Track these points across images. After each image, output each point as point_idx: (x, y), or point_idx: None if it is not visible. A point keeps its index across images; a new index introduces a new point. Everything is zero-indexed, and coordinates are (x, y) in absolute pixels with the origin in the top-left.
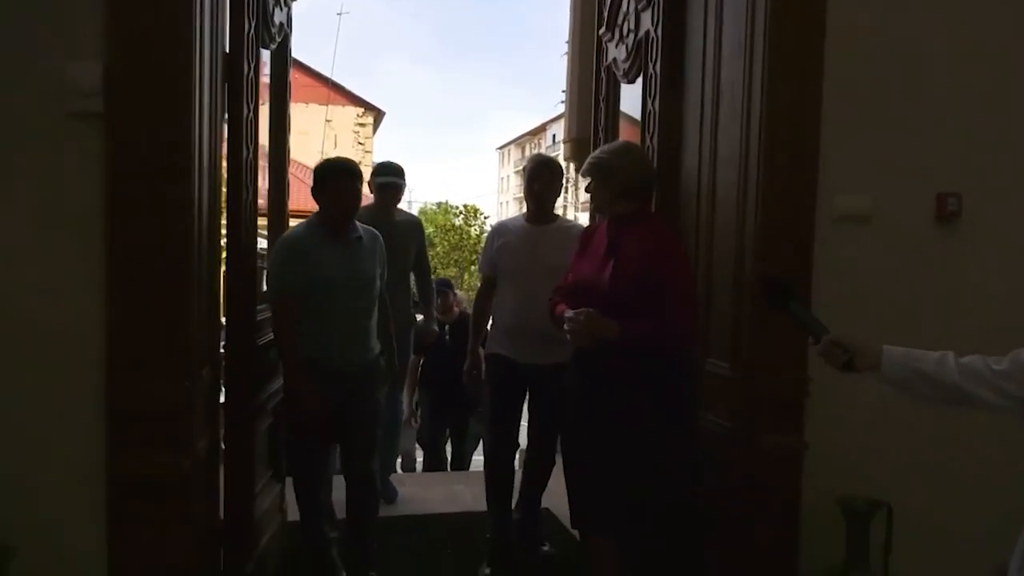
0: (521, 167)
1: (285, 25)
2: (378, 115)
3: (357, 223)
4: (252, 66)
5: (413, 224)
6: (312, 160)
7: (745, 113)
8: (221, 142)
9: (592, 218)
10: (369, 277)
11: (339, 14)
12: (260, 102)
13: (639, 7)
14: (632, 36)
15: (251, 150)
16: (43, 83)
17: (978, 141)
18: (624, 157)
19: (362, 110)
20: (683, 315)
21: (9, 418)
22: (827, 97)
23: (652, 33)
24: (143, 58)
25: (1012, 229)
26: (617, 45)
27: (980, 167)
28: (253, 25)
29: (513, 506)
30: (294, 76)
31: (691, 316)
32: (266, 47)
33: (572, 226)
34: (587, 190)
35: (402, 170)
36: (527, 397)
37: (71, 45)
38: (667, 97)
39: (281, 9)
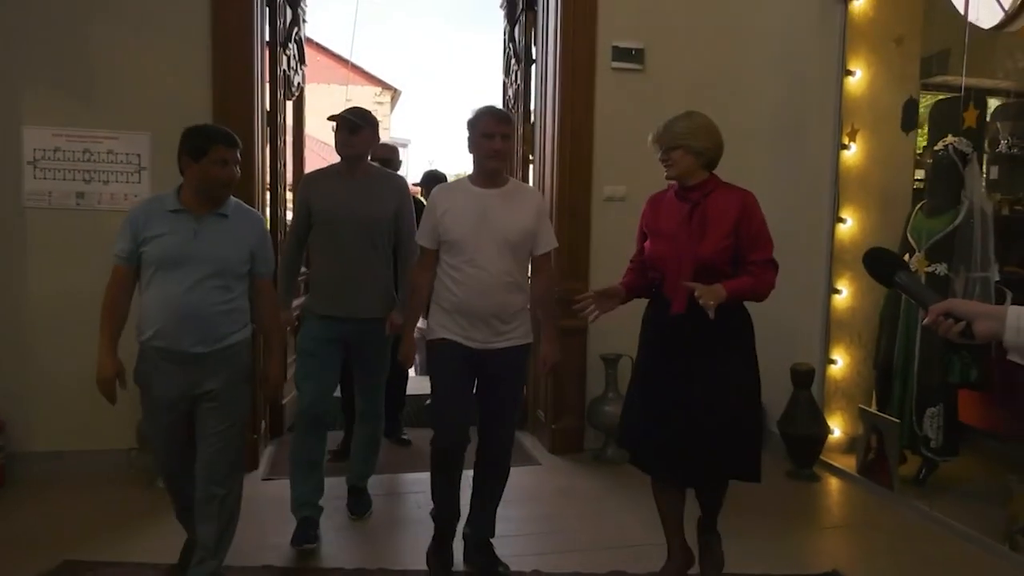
0: None
1: (301, 83)
2: (395, 93)
3: (240, 203)
4: (282, 116)
5: (390, 183)
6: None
7: (552, 137)
8: (266, 160)
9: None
10: (212, 262)
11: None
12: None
13: (516, 68)
14: (515, 86)
15: (282, 163)
16: (187, 103)
17: None
18: (705, 127)
19: (380, 89)
20: (773, 266)
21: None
22: (596, 130)
23: (521, 86)
24: (230, 107)
25: None
26: (510, 88)
27: None
28: (282, 92)
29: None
30: (316, 58)
31: (776, 266)
32: (289, 99)
33: (532, 192)
34: (666, 158)
35: (362, 113)
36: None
37: (192, 83)
38: (525, 126)
39: (297, 73)
